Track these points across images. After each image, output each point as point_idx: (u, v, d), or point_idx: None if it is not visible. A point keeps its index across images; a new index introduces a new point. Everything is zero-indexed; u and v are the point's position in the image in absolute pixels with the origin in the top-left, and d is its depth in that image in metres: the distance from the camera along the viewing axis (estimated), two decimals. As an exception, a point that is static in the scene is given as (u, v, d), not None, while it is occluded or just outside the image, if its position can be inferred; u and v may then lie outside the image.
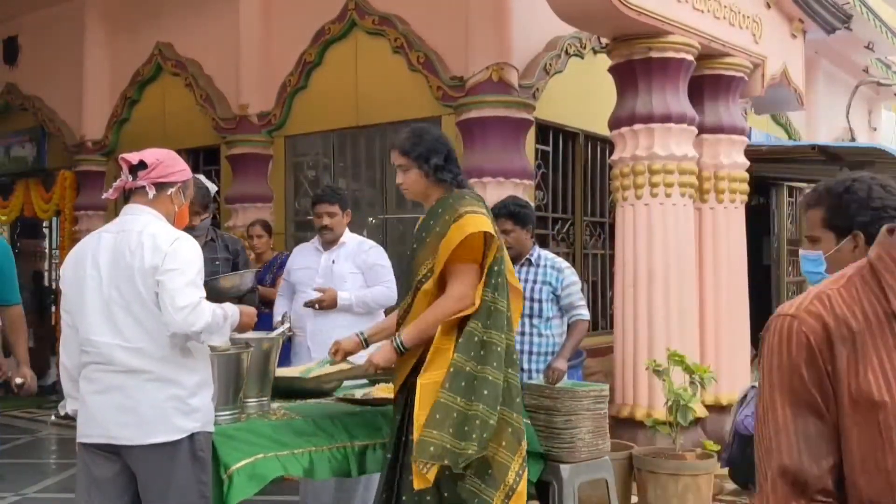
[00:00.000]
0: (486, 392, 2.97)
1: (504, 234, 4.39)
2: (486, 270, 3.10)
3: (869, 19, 9.41)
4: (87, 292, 2.80)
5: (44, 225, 11.53)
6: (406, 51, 6.60)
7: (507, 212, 4.47)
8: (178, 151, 8.55)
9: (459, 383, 2.95)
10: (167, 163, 2.89)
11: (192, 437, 2.79)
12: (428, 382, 2.98)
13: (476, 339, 3.03)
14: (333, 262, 4.64)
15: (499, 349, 3.06)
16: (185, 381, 2.79)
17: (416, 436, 2.93)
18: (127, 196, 2.95)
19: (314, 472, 3.13)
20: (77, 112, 9.03)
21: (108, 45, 8.93)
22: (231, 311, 2.91)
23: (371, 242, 4.85)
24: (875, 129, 12.90)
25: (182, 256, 2.78)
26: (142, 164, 2.85)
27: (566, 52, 6.82)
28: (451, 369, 2.96)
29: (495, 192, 5.97)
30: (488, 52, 6.14)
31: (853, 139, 11.21)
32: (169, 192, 2.90)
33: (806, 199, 2.14)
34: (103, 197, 3.05)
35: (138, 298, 2.75)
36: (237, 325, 2.96)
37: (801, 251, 2.19)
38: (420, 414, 2.94)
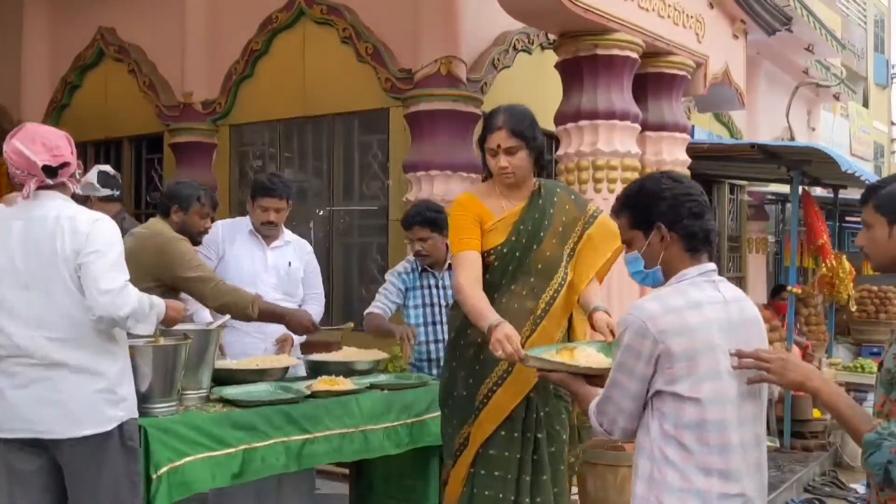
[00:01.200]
0: None
1: (420, 241, 4.36)
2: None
3: (809, 22, 9.66)
4: (1, 284, 2.71)
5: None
6: (354, 41, 6.56)
7: (422, 219, 4.36)
8: (121, 139, 8.44)
9: None
10: (71, 150, 2.80)
11: (121, 426, 2.75)
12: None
13: None
14: (290, 264, 4.42)
15: None
16: (109, 370, 2.73)
17: None
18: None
19: (244, 475, 3.10)
20: (15, 95, 8.76)
21: (48, 27, 8.69)
22: (157, 301, 2.86)
23: (303, 241, 4.67)
24: (814, 130, 13.26)
25: (102, 238, 2.70)
26: (64, 165, 2.74)
27: (514, 48, 6.86)
28: None
29: (443, 185, 6.00)
30: (437, 45, 6.15)
31: (793, 139, 11.50)
32: (76, 175, 2.86)
33: (612, 211, 2.35)
34: (20, 200, 2.90)
35: (62, 285, 2.68)
36: (163, 317, 2.90)
37: (623, 257, 2.37)
38: None
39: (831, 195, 9.69)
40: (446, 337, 4.30)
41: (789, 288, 7.30)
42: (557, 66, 5.96)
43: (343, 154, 6.89)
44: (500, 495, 3.08)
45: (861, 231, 2.21)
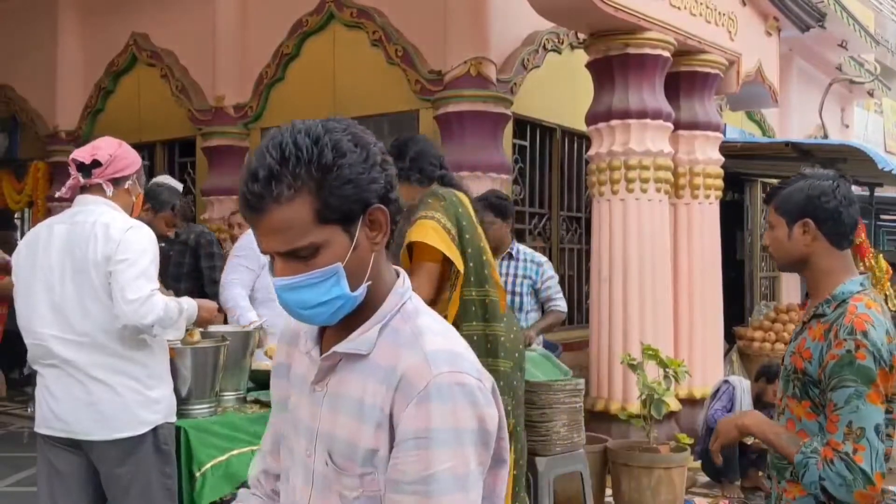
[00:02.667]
0: (501, 384, 3.08)
1: (486, 225, 4.39)
2: (456, 267, 3.10)
3: (842, 18, 9.53)
4: (37, 284, 2.75)
5: (15, 216, 11.37)
6: (384, 44, 6.58)
7: (487, 203, 4.47)
8: (154, 143, 8.53)
9: None
10: (120, 156, 2.85)
11: (155, 430, 2.77)
12: None
13: (476, 337, 3.12)
14: None
15: (502, 339, 3.19)
16: (141, 374, 2.76)
17: None
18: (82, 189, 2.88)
19: None
20: (50, 102, 8.91)
21: (81, 34, 8.82)
22: (187, 304, 2.89)
23: None
24: (847, 127, 13.07)
25: (134, 246, 2.72)
26: (96, 163, 2.80)
27: (544, 48, 6.84)
28: None
29: (472, 186, 5.95)
30: (466, 46, 6.15)
31: (826, 136, 11.34)
32: (126, 186, 2.87)
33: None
34: (56, 196, 3.01)
35: (91, 291, 2.71)
36: (195, 319, 2.94)
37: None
38: None
39: (866, 193, 9.54)
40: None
41: (824, 288, 7.20)
42: (588, 65, 5.94)
43: (373, 156, 6.90)
44: None
45: (766, 231, 2.22)
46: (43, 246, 2.78)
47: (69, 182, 2.84)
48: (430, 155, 3.29)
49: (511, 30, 6.53)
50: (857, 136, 13.18)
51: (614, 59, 5.69)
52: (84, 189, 2.84)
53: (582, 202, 7.46)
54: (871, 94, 13.45)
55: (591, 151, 5.89)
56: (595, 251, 5.88)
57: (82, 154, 2.83)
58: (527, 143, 6.92)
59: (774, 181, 10.37)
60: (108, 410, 2.68)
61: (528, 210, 7.00)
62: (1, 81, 9.48)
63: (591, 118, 5.87)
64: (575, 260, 7.54)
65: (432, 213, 3.13)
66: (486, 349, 3.11)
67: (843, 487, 1.93)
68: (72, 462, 2.78)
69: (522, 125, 6.83)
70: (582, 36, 6.10)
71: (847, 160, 6.93)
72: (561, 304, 4.54)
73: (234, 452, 2.98)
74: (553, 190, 7.26)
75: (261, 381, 3.52)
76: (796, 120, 10.89)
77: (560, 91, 6.95)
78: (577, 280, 7.53)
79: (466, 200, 3.27)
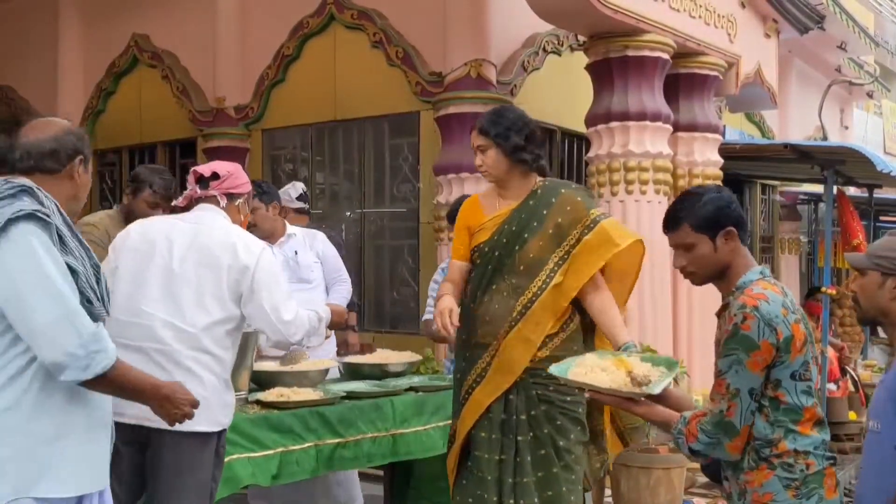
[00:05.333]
0: None
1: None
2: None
3: (842, 19, 9.55)
4: (153, 268, 2.80)
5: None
6: (385, 46, 6.61)
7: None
8: (155, 144, 8.54)
9: None
10: (236, 174, 3.03)
11: (220, 433, 2.82)
12: None
13: None
14: (296, 252, 4.47)
15: None
16: (223, 376, 2.83)
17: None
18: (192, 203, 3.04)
19: (281, 478, 3.16)
20: (51, 103, 8.91)
21: (82, 35, 8.84)
22: (325, 313, 3.13)
23: (313, 231, 4.71)
24: (847, 128, 13.08)
25: (274, 267, 2.92)
26: (214, 175, 2.97)
27: (544, 50, 6.86)
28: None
29: (473, 187, 6.00)
30: (467, 48, 6.17)
31: (825, 137, 11.35)
32: (237, 203, 3.03)
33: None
34: (172, 204, 3.20)
35: (215, 289, 2.79)
36: (329, 322, 3.21)
37: None
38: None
39: (865, 194, 9.56)
40: None
41: (824, 289, 7.22)
42: (588, 67, 5.97)
43: (374, 157, 6.94)
44: (484, 495, 3.15)
45: (677, 254, 2.35)
46: (164, 235, 2.86)
47: (186, 192, 3.01)
48: (539, 139, 3.33)
49: (511, 31, 6.56)
50: (857, 138, 13.20)
51: (614, 61, 5.71)
52: (199, 201, 3.00)
53: (582, 203, 7.46)
54: (870, 96, 13.46)
55: (591, 153, 5.91)
56: (594, 252, 5.90)
57: (203, 168, 3.03)
58: (527, 145, 6.93)
59: (774, 182, 10.43)
60: None
61: (528, 211, 7.01)
62: (2, 82, 9.49)
63: (591, 120, 5.89)
64: (575, 261, 7.54)
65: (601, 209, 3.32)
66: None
67: (711, 446, 2.15)
68: (126, 451, 2.72)
69: (522, 127, 6.83)
70: (582, 38, 6.13)
71: (846, 161, 6.94)
72: None
73: (234, 456, 2.98)
74: (553, 191, 7.27)
75: (263, 381, 3.54)
76: (796, 121, 10.91)
77: (560, 92, 6.97)
78: (576, 281, 7.54)
79: None
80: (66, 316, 2.00)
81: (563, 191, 3.24)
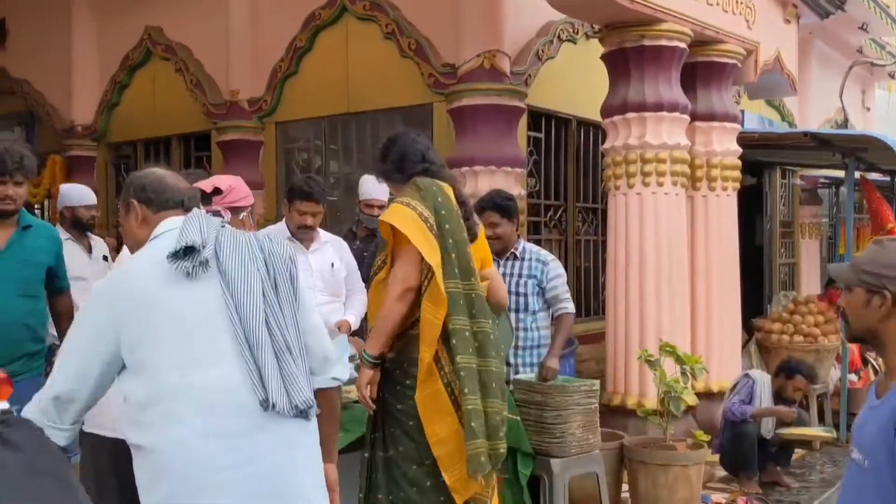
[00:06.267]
0: (493, 385, 2.99)
1: (490, 227, 4.37)
2: (434, 259, 2.99)
3: (863, 0, 9.36)
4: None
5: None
6: (397, 37, 6.54)
7: (493, 205, 4.43)
8: (170, 137, 8.53)
9: (474, 384, 2.93)
10: (238, 188, 3.06)
11: None
12: (428, 395, 2.95)
13: (467, 333, 2.99)
14: (333, 265, 4.42)
15: (492, 337, 3.04)
16: None
17: (440, 453, 2.94)
18: None
19: None
20: (66, 96, 8.94)
21: (96, 28, 8.83)
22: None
23: (338, 238, 4.68)
24: (868, 110, 12.88)
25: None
26: (216, 191, 2.98)
27: (559, 38, 6.77)
28: (463, 372, 2.92)
29: (487, 180, 5.95)
30: (480, 39, 6.09)
31: (846, 119, 11.18)
32: (241, 216, 3.07)
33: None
34: None
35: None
36: None
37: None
38: (432, 431, 2.93)
39: (888, 179, 9.40)
40: (520, 325, 4.37)
41: (845, 277, 7.11)
42: (603, 57, 5.88)
43: (387, 150, 6.88)
44: (360, 494, 3.22)
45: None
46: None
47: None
48: (410, 152, 3.21)
49: (525, 21, 6.47)
50: (879, 119, 13.00)
51: (630, 51, 5.62)
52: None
53: (598, 193, 7.41)
54: (892, 77, 13.23)
55: (607, 144, 5.84)
56: (611, 245, 5.84)
57: (204, 184, 3.01)
58: (542, 135, 6.87)
59: (795, 169, 10.28)
60: None
61: (544, 202, 6.96)
62: (18, 76, 9.52)
63: (607, 111, 5.82)
64: (591, 251, 7.50)
65: (408, 200, 3.06)
66: (475, 347, 2.98)
67: None
68: (123, 466, 2.63)
69: (537, 117, 6.78)
70: (597, 26, 6.04)
71: (867, 149, 6.82)
72: (568, 306, 4.45)
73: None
74: (569, 181, 7.21)
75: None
76: (816, 104, 10.74)
77: (576, 81, 6.89)
78: (593, 271, 7.50)
79: (449, 191, 3.16)
80: None
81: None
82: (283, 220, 4.48)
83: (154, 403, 2.05)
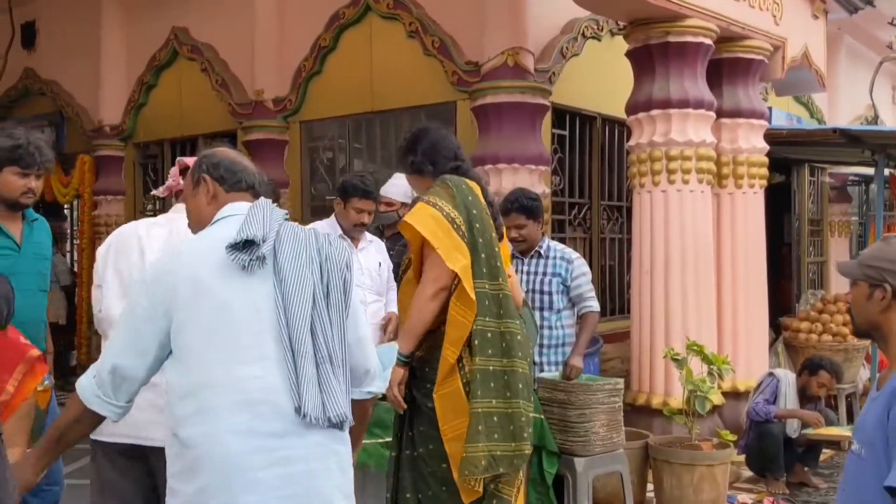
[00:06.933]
0: (520, 386, 2.96)
1: (517, 228, 4.42)
2: (457, 262, 2.95)
3: (893, -5, 9.22)
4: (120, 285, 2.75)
5: (64, 207, 11.61)
6: (421, 35, 6.55)
7: (518, 206, 4.44)
8: (196, 137, 8.60)
9: (489, 385, 2.90)
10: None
11: None
12: (446, 393, 2.94)
13: (490, 334, 2.97)
14: (380, 264, 4.45)
15: (519, 337, 3.02)
16: None
17: (452, 451, 2.92)
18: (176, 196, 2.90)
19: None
20: (94, 97, 9.05)
21: (124, 29, 8.93)
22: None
23: (376, 237, 4.69)
24: (899, 106, 12.68)
25: None
26: (188, 169, 2.80)
27: (583, 35, 6.74)
28: (478, 375, 2.90)
29: (510, 178, 5.94)
30: (504, 36, 6.08)
31: (876, 116, 11.02)
32: None
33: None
34: (151, 194, 3.07)
35: None
36: None
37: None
38: (447, 428, 2.92)
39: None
40: (545, 323, 4.36)
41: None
42: (628, 54, 5.85)
43: (411, 148, 6.89)
44: (387, 494, 3.22)
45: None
46: (139, 247, 2.76)
47: (168, 182, 2.87)
48: (442, 147, 3.18)
49: (549, 18, 6.45)
50: (910, 115, 12.78)
51: (654, 47, 5.58)
52: (180, 193, 2.84)
53: (623, 191, 7.36)
54: (924, 72, 13.00)
55: (632, 142, 5.80)
56: (636, 244, 5.80)
57: (189, 159, 2.82)
58: (566, 133, 6.84)
59: (824, 166, 10.15)
60: None
61: (568, 200, 6.92)
62: (48, 77, 9.66)
63: (632, 108, 5.78)
64: (616, 250, 7.45)
65: (435, 200, 3.01)
66: (502, 348, 2.95)
67: None
68: (130, 472, 2.71)
69: (562, 114, 6.75)
70: (622, 23, 6.00)
71: (898, 145, 6.73)
72: (593, 305, 4.44)
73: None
74: (593, 179, 7.17)
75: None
76: (845, 100, 10.59)
77: (600, 78, 6.85)
78: (618, 270, 7.45)
79: (478, 190, 3.13)
80: None
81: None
82: (332, 217, 4.53)
83: (193, 394, 2.04)
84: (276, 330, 2.05)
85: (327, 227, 4.40)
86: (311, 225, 4.42)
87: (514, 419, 2.92)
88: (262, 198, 2.25)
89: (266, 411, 2.02)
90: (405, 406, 3.08)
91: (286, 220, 2.20)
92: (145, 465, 2.73)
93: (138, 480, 2.76)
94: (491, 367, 2.92)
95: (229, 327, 2.05)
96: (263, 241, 2.06)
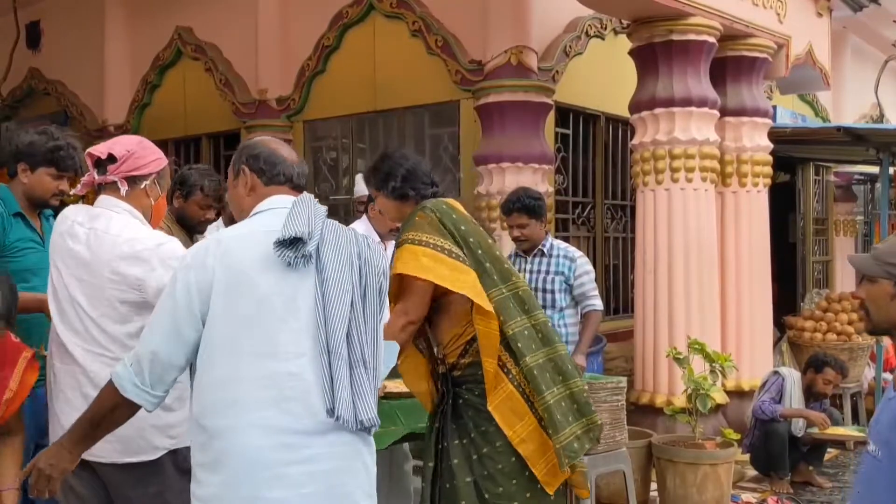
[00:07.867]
0: (569, 366, 3.01)
1: (519, 228, 4.44)
2: (464, 285, 2.89)
3: (899, -7, 9.19)
4: (53, 282, 2.63)
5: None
6: (424, 34, 6.54)
7: (521, 205, 4.46)
8: (200, 136, 8.61)
9: (546, 377, 2.92)
10: (138, 153, 2.64)
11: (174, 451, 2.59)
12: (501, 401, 2.91)
13: (527, 331, 2.97)
14: None
15: (549, 324, 3.09)
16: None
17: (527, 453, 2.90)
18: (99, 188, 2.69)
19: None
20: (99, 96, 9.06)
21: (128, 29, 8.94)
22: None
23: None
24: (904, 104, 12.63)
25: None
26: (111, 158, 2.61)
27: (586, 34, 6.74)
28: (535, 372, 2.90)
29: (514, 177, 5.94)
30: (507, 35, 6.07)
31: (882, 115, 10.99)
32: (143, 186, 2.65)
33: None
34: (71, 193, 2.95)
35: (105, 300, 2.54)
36: None
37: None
38: (513, 433, 2.91)
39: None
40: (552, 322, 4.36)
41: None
42: (631, 52, 5.84)
43: (414, 147, 6.88)
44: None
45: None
46: (59, 253, 2.62)
47: (84, 178, 2.67)
48: (420, 172, 3.11)
49: (552, 17, 6.45)
50: (915, 114, 12.73)
51: (658, 45, 5.57)
52: (100, 187, 2.64)
53: (627, 190, 7.35)
54: (930, 70, 12.96)
55: (635, 140, 5.79)
56: (639, 242, 5.79)
57: (100, 149, 2.63)
58: (570, 132, 6.84)
59: (829, 165, 10.12)
60: (121, 432, 2.31)
61: (572, 199, 6.92)
62: (52, 77, 9.67)
63: (635, 106, 5.77)
64: (620, 248, 7.45)
65: (419, 237, 2.92)
66: (540, 340, 2.96)
67: None
68: (88, 485, 2.61)
69: (565, 113, 6.74)
70: (626, 21, 5.99)
71: (903, 144, 6.70)
72: (596, 303, 4.44)
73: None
74: (597, 178, 7.17)
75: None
76: (850, 99, 10.57)
77: (604, 77, 6.85)
78: (622, 269, 7.44)
79: (458, 205, 3.09)
80: None
81: (407, 220, 3.14)
82: (365, 218, 4.58)
83: (223, 386, 2.02)
84: (314, 330, 2.04)
85: (363, 229, 4.39)
86: (351, 226, 4.44)
87: (577, 397, 2.98)
88: (304, 192, 2.24)
89: (296, 409, 2.01)
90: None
91: (326, 216, 2.19)
92: (98, 478, 2.62)
93: (100, 495, 2.64)
94: (540, 361, 2.95)
95: (268, 321, 2.03)
96: (310, 238, 2.05)
